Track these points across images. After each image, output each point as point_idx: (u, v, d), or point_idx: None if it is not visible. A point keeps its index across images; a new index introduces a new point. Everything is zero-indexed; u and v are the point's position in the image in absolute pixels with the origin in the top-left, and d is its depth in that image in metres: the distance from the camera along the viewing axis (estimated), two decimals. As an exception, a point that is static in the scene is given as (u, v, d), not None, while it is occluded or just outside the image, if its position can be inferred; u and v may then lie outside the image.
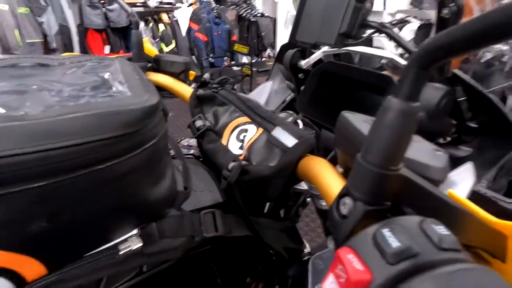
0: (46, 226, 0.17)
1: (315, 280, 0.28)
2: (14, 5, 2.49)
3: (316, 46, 0.44)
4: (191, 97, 0.42)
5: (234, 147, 0.37)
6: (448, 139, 0.38)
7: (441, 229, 0.13)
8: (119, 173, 0.20)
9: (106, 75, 0.26)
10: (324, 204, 0.36)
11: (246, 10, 3.91)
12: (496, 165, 0.31)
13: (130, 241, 0.23)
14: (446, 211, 0.16)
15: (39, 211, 0.17)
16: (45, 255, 0.18)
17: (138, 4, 3.16)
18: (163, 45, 3.25)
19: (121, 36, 3.19)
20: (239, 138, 0.38)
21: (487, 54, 2.20)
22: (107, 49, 3.13)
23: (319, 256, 0.30)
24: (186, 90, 0.47)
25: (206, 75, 0.44)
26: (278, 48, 3.73)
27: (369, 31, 0.41)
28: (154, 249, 0.24)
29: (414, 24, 2.37)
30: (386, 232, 0.13)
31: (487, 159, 0.32)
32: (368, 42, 0.49)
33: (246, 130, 0.37)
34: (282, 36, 4.43)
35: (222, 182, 0.31)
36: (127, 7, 0.62)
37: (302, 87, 0.55)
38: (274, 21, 4.18)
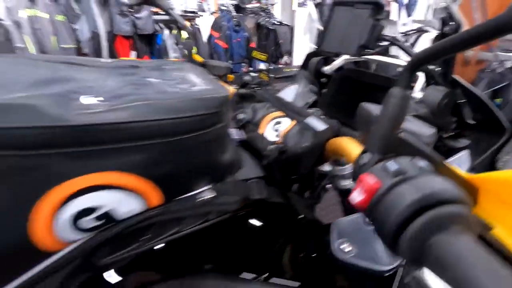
0: (169, 167, 0.26)
1: (337, 238, 0.36)
2: (53, 14, 2.71)
3: (338, 55, 0.52)
4: (233, 95, 0.51)
5: (271, 135, 0.45)
6: (451, 133, 0.45)
7: (422, 162, 0.21)
8: (208, 139, 0.28)
9: (184, 74, 0.35)
10: (343, 184, 0.44)
11: (264, 19, 4.04)
12: (486, 153, 0.38)
13: (207, 192, 0.32)
14: (430, 162, 0.23)
15: (166, 156, 0.25)
16: (165, 188, 0.27)
17: (162, 12, 3.34)
18: (186, 52, 3.40)
19: (146, 43, 3.37)
20: (274, 128, 0.46)
21: (506, 63, 2.22)
22: (133, 54, 3.31)
23: (340, 220, 0.38)
24: (229, 89, 0.57)
25: (247, 78, 0.52)
26: (295, 55, 3.83)
27: (384, 43, 0.49)
28: (219, 201, 0.32)
29: (432, 34, 2.43)
30: (390, 162, 0.20)
31: (480, 149, 0.39)
32: (385, 52, 0.57)
33: (280, 122, 0.46)
34: (300, 44, 4.53)
35: (263, 161, 0.39)
36: (181, 19, 0.72)
37: (324, 90, 0.64)
38: (291, 29, 4.29)
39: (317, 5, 4.29)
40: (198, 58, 0.69)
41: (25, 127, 0.20)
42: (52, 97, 0.21)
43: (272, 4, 4.27)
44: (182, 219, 0.31)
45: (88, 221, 0.25)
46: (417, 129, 0.29)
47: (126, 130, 0.23)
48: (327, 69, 0.58)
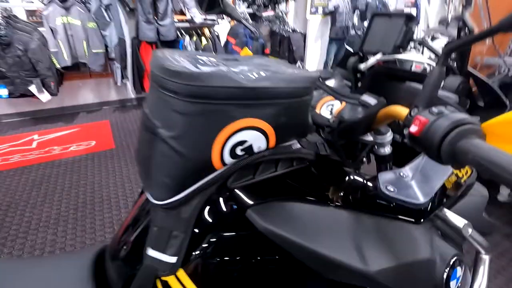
0: (284, 119, 0.39)
1: (383, 183, 0.49)
2: (85, 21, 2.92)
3: (375, 54, 0.66)
4: None
5: (325, 113, 0.59)
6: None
7: (450, 107, 0.34)
8: (305, 104, 0.42)
9: (277, 64, 0.49)
10: (382, 151, 0.57)
11: (279, 26, 4.21)
12: None
13: (295, 144, 0.45)
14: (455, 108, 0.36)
15: (285, 111, 0.39)
16: (279, 134, 0.40)
17: (185, 20, 3.54)
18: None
19: (167, 48, 3.56)
20: (328, 109, 0.60)
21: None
22: (155, 59, 3.50)
23: (383, 172, 0.51)
24: None
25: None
26: (307, 61, 3.96)
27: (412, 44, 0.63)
28: (302, 151, 0.46)
29: (443, 41, 2.58)
30: (432, 108, 0.34)
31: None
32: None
33: (332, 104, 0.60)
34: (312, 50, 4.69)
35: (326, 129, 0.53)
36: (251, 27, 0.85)
37: (359, 84, 0.78)
38: (304, 36, 4.46)
39: (330, 13, 4.47)
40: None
41: (220, 86, 0.34)
42: (231, 70, 0.35)
43: (286, 13, 4.45)
44: (279, 160, 0.45)
45: (239, 151, 0.38)
46: (446, 94, 0.43)
47: (269, 92, 0.37)
48: (363, 66, 0.73)
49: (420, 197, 0.47)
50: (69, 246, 1.62)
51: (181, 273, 0.43)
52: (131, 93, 3.84)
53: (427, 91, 0.37)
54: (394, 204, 0.49)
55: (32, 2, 4.03)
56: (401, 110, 0.40)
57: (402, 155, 0.59)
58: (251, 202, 0.43)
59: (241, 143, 0.38)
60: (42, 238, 1.66)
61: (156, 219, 0.43)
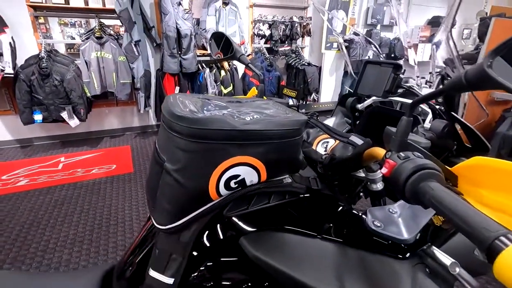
0: (275, 157, 0.45)
1: (371, 218, 0.52)
2: (116, 55, 3.21)
3: (369, 97, 0.72)
4: None
5: (320, 150, 0.64)
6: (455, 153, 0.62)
7: (416, 153, 0.38)
8: (296, 143, 0.47)
9: (274, 107, 0.55)
10: (375, 187, 0.61)
11: (294, 60, 4.41)
12: None
13: (287, 179, 0.50)
14: (422, 154, 0.40)
15: (275, 150, 0.44)
16: (269, 170, 0.45)
17: (206, 54, 3.80)
18: (222, 88, 3.78)
19: (189, 80, 3.80)
20: (323, 146, 0.66)
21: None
22: (177, 89, 3.73)
23: (372, 208, 0.55)
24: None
25: (303, 110, 0.73)
26: (322, 93, 4.07)
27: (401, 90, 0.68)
28: (293, 186, 0.50)
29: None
30: (400, 153, 0.38)
31: None
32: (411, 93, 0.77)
33: (328, 142, 0.66)
34: (327, 83, 4.82)
35: (319, 164, 0.58)
36: (257, 71, 0.94)
37: (357, 122, 0.83)
38: (319, 69, 4.62)
39: (346, 48, 4.63)
40: (265, 98, 0.91)
41: (216, 129, 0.40)
42: (229, 115, 0.42)
43: (302, 47, 4.66)
44: (272, 193, 0.49)
45: (232, 183, 0.44)
46: (418, 139, 0.47)
47: (260, 134, 0.43)
48: (360, 106, 0.78)
49: (405, 233, 0.50)
50: (81, 266, 1.67)
51: None
52: (152, 120, 4.05)
53: (398, 137, 0.42)
54: (380, 238, 0.52)
55: (74, 39, 4.48)
56: (380, 152, 0.45)
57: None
58: (244, 230, 0.48)
59: (234, 177, 0.44)
60: (58, 258, 1.73)
61: (158, 242, 0.48)
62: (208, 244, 0.48)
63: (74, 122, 3.19)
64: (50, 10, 3.14)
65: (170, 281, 0.46)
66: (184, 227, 0.45)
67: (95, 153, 3.28)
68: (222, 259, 0.48)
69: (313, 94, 4.50)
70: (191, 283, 0.47)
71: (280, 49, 4.39)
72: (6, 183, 2.56)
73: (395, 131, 0.43)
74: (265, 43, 4.34)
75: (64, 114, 3.10)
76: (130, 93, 3.42)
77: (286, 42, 4.47)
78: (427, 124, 0.61)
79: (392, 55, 5.03)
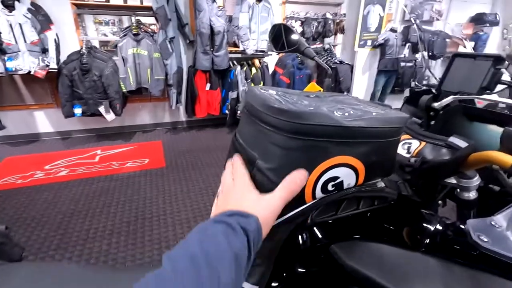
0: (375, 158, 0.40)
1: (474, 231, 0.46)
2: (151, 52, 3.27)
3: (456, 94, 0.65)
4: None
5: (403, 153, 0.58)
6: None
7: None
8: (395, 144, 0.42)
9: (360, 102, 0.50)
10: (466, 195, 0.54)
11: (326, 58, 4.29)
12: None
13: (380, 183, 0.45)
14: None
15: (376, 151, 0.40)
16: (368, 172, 0.41)
17: (237, 51, 3.79)
18: (253, 85, 3.75)
19: (220, 77, 3.81)
20: (405, 148, 0.59)
21: None
22: (207, 86, 3.75)
23: (472, 220, 0.48)
24: None
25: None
26: (354, 92, 3.92)
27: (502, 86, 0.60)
28: (386, 190, 0.45)
29: None
30: None
31: None
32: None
33: (410, 143, 0.59)
34: (359, 81, 4.66)
35: (406, 168, 0.52)
36: (324, 64, 0.88)
37: (432, 122, 0.75)
38: (352, 67, 4.47)
39: (379, 46, 4.45)
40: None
41: (320, 124, 0.36)
42: (328, 110, 0.38)
43: (334, 45, 4.53)
44: (362, 198, 0.45)
45: (330, 186, 0.40)
46: None
47: (365, 132, 0.38)
48: (437, 104, 0.71)
49: (518, 253, 0.43)
50: (120, 258, 1.71)
51: None
52: (182, 116, 4.11)
53: None
54: (485, 256, 0.45)
55: (107, 36, 4.63)
56: (505, 158, 0.38)
57: (485, 202, 0.55)
58: (332, 238, 0.43)
59: (333, 179, 0.39)
60: (98, 247, 1.78)
61: None
62: (294, 250, 0.44)
63: (110, 116, 3.30)
64: (92, 8, 3.25)
65: None
66: (271, 231, 0.42)
67: (129, 147, 3.37)
68: (309, 266, 0.44)
69: (345, 93, 4.36)
70: None
71: (312, 46, 4.28)
72: (49, 173, 2.69)
73: None
74: (297, 40, 4.25)
75: (102, 109, 3.21)
76: (163, 89, 3.48)
77: (318, 39, 4.36)
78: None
79: (430, 54, 4.76)
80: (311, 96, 0.52)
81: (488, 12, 5.33)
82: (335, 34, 4.41)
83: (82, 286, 0.51)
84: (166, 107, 4.00)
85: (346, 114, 0.39)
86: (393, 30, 4.24)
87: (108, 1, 3.20)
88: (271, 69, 4.07)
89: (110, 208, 2.18)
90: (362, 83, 4.71)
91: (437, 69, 5.08)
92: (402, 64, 4.47)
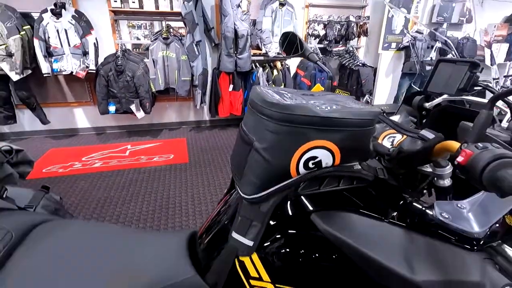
0: (349, 143, 0.50)
1: (438, 210, 0.54)
2: (179, 54, 3.49)
3: (440, 95, 0.72)
4: None
5: (387, 144, 0.67)
6: None
7: (495, 144, 0.39)
8: (368, 133, 0.52)
9: (346, 99, 0.60)
10: (442, 182, 0.62)
11: (348, 60, 4.30)
12: None
13: (357, 166, 0.55)
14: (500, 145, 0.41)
15: (350, 137, 0.50)
16: (343, 155, 0.51)
17: (259, 54, 3.92)
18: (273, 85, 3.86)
19: (242, 78, 3.96)
20: (389, 140, 0.68)
21: None
22: (230, 87, 3.91)
23: (438, 201, 0.56)
24: None
25: (369, 106, 0.76)
26: (376, 95, 3.90)
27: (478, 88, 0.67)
28: (362, 172, 0.55)
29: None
30: (477, 144, 0.40)
31: None
32: (482, 94, 0.75)
33: (394, 136, 0.68)
34: (382, 84, 4.61)
35: (386, 156, 0.61)
36: (326, 68, 0.99)
37: (424, 120, 0.83)
38: (375, 70, 4.44)
39: (403, 48, 4.38)
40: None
41: (303, 115, 0.47)
42: (311, 104, 0.48)
43: (357, 48, 4.53)
44: (342, 178, 0.55)
45: (310, 164, 0.50)
46: (497, 133, 0.47)
47: (339, 121, 0.48)
48: (428, 105, 0.79)
49: (475, 227, 0.51)
50: (146, 241, 1.89)
51: (254, 256, 0.55)
52: (206, 116, 4.31)
53: (476, 130, 0.44)
54: (447, 231, 0.53)
55: (139, 39, 4.95)
56: (454, 145, 0.47)
57: (464, 189, 0.63)
58: (315, 208, 0.54)
59: (313, 158, 0.50)
60: (126, 231, 1.98)
61: (242, 210, 0.56)
62: (282, 217, 0.55)
63: (140, 114, 3.55)
64: (127, 14, 3.53)
65: (250, 243, 0.54)
66: (265, 199, 0.53)
67: (156, 143, 3.61)
68: (293, 230, 0.55)
69: (367, 96, 4.35)
70: (266, 248, 0.55)
71: (334, 49, 4.32)
72: (86, 164, 2.97)
73: (473, 123, 0.45)
74: (319, 43, 4.31)
75: (133, 107, 3.47)
76: (189, 89, 3.69)
77: (341, 42, 4.38)
78: (504, 124, 0.60)
79: (460, 56, 4.61)
80: (307, 94, 0.63)
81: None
82: (358, 36, 4.41)
83: (123, 240, 0.66)
84: (191, 107, 4.22)
85: (327, 108, 0.50)
86: (419, 32, 4.17)
87: (142, 8, 3.46)
88: (292, 71, 4.15)
89: (138, 198, 2.39)
90: (385, 86, 4.66)
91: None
92: (428, 67, 4.37)
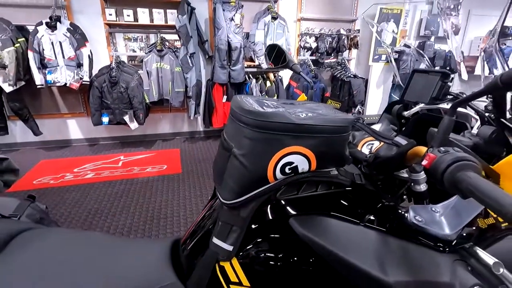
0: (325, 149, 0.52)
1: (413, 214, 0.56)
2: (173, 66, 3.54)
3: (416, 104, 0.75)
4: None
5: (365, 151, 0.69)
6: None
7: (456, 148, 0.42)
8: (343, 139, 0.54)
9: (324, 108, 0.63)
10: (418, 188, 0.64)
11: (340, 72, 4.39)
12: None
13: (334, 171, 0.57)
14: (462, 149, 0.44)
15: (325, 143, 0.51)
16: (319, 161, 0.53)
17: (252, 65, 3.99)
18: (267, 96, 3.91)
19: (236, 89, 4.01)
20: (368, 148, 0.71)
21: None
22: (224, 98, 3.96)
23: (413, 205, 0.58)
24: None
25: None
26: (368, 106, 3.97)
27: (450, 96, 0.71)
28: (339, 177, 0.57)
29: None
30: (440, 148, 0.42)
31: None
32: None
33: (372, 144, 0.70)
34: (373, 95, 4.70)
35: (363, 162, 0.63)
36: (308, 78, 1.03)
37: (403, 128, 0.86)
38: (366, 81, 4.53)
39: (395, 60, 4.50)
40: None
41: (277, 122, 0.49)
42: (286, 111, 0.51)
43: (348, 60, 4.63)
44: (320, 183, 0.56)
45: (287, 169, 0.52)
46: (460, 138, 0.50)
47: (313, 128, 0.50)
48: (406, 113, 0.82)
49: (447, 230, 0.53)
50: (136, 252, 1.86)
51: (234, 261, 0.56)
52: (200, 127, 4.33)
53: (440, 135, 0.47)
54: (421, 234, 0.55)
55: (135, 51, 5.01)
56: (422, 150, 0.50)
57: (443, 194, 0.65)
58: (293, 213, 0.55)
59: (289, 163, 0.51)
60: (117, 242, 1.95)
61: (222, 215, 0.57)
62: (262, 222, 0.56)
63: (134, 125, 3.56)
64: (122, 27, 3.59)
65: (230, 248, 0.55)
66: (244, 204, 0.54)
67: (149, 153, 3.60)
68: (272, 235, 0.56)
69: (358, 107, 4.42)
70: (246, 252, 0.56)
71: (326, 61, 4.42)
72: (77, 175, 2.95)
73: (437, 129, 0.47)
74: (311, 55, 4.41)
75: (126, 118, 3.49)
76: (183, 100, 3.72)
77: (332, 54, 4.48)
78: (474, 130, 0.63)
79: (447, 68, 4.74)
80: (287, 103, 0.65)
81: (510, 25, 5.24)
82: (349, 49, 4.52)
83: (105, 248, 0.66)
84: (185, 118, 4.24)
85: (303, 115, 0.52)
86: (406, 46, 4.29)
87: (137, 21, 3.53)
88: (285, 83, 4.22)
89: (130, 208, 2.37)
90: (377, 97, 4.74)
91: (455, 84, 5.02)
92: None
